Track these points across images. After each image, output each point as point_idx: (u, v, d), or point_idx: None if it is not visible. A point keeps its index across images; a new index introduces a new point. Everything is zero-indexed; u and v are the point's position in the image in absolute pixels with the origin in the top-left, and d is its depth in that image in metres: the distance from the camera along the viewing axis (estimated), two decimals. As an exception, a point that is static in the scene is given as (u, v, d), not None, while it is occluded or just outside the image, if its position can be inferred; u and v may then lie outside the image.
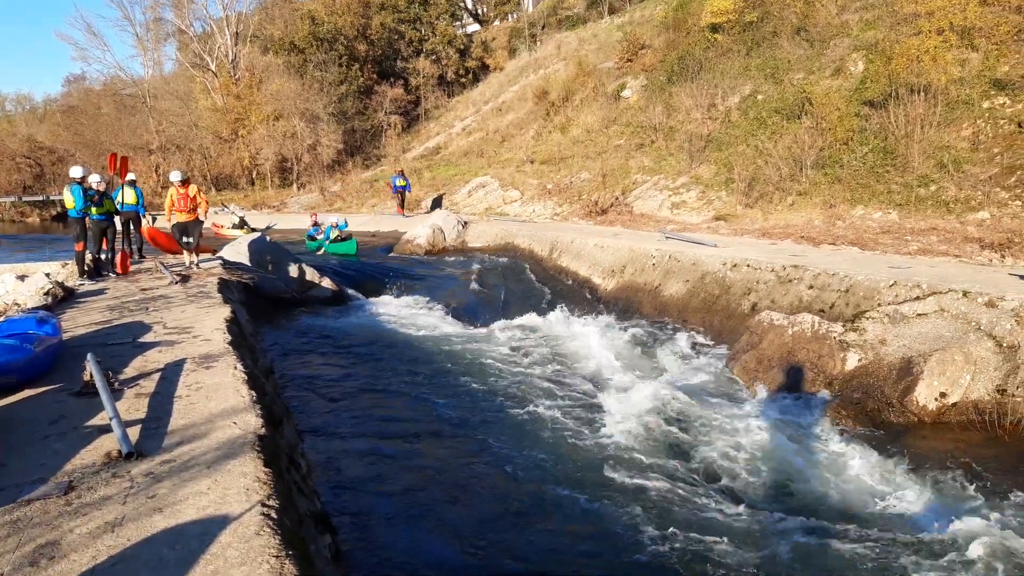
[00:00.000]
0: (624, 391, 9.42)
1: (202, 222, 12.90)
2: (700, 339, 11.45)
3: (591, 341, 11.58)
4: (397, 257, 19.12)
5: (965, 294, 8.95)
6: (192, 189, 12.71)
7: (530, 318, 13.06)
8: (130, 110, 39.41)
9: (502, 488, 6.62)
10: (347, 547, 5.48)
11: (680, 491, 6.55)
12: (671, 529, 5.85)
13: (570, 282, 15.86)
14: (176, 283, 10.91)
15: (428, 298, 14.79)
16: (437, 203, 25.93)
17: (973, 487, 6.43)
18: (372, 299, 14.85)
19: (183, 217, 12.59)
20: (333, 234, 20.42)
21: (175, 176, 12.82)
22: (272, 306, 13.13)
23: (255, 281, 12.70)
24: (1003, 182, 14.14)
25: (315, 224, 21.94)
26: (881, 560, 5.42)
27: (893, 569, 5.27)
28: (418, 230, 20.22)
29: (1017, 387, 7.82)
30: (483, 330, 12.65)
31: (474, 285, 15.81)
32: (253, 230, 20.68)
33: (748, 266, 12.28)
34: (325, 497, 6.20)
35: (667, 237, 15.73)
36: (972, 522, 5.79)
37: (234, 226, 22.93)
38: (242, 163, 35.14)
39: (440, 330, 12.55)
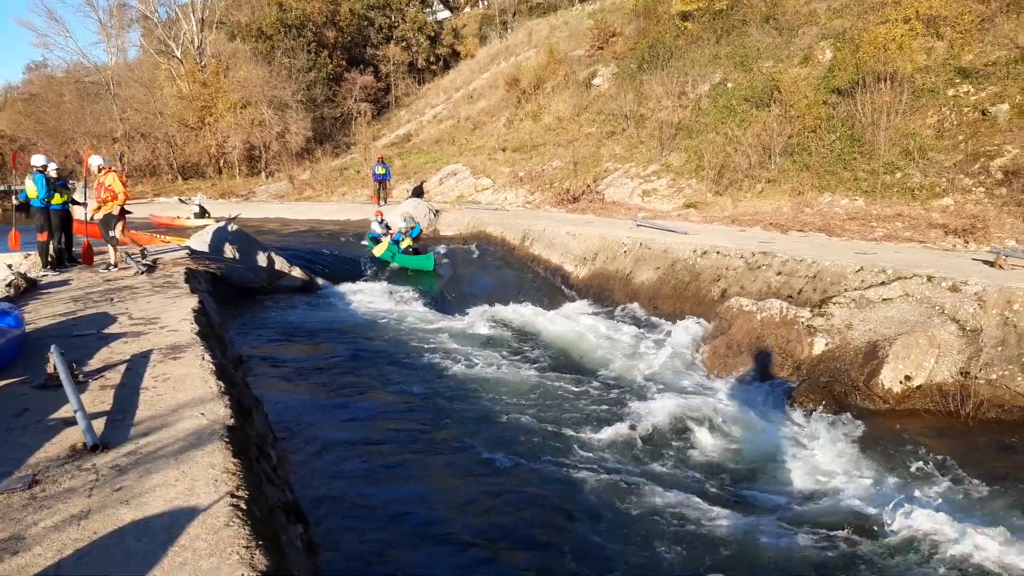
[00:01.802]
0: (595, 377, 9.49)
1: (123, 214, 11.22)
2: (670, 325, 11.52)
3: (564, 328, 11.64)
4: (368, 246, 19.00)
5: (929, 279, 9.12)
6: (108, 177, 11.01)
7: (502, 306, 13.07)
8: (93, 98, 38.50)
9: (475, 475, 6.64)
10: (319, 538, 5.46)
11: (648, 474, 6.61)
12: (637, 511, 5.91)
13: (542, 270, 15.88)
14: (142, 273, 10.73)
15: (400, 287, 14.73)
16: (418, 192, 25.68)
17: (935, 470, 6.57)
18: (343, 288, 14.74)
19: (105, 208, 11.02)
20: (405, 242, 16.94)
21: (95, 161, 11.36)
22: (241, 296, 12.98)
23: (223, 271, 12.53)
24: (967, 169, 14.39)
25: (384, 223, 18.47)
26: (843, 541, 5.52)
27: (855, 550, 5.37)
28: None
29: (980, 370, 8.00)
30: (455, 318, 12.63)
31: (445, 273, 15.77)
32: (219, 219, 20.17)
33: (718, 253, 12.39)
34: (297, 487, 6.16)
35: (638, 225, 15.79)
36: (932, 506, 5.92)
37: (195, 215, 22.22)
38: (209, 151, 34.58)
39: (412, 319, 12.50)
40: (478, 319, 12.42)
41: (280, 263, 14.28)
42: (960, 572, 5.00)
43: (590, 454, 7.08)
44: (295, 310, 13.00)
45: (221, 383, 5.77)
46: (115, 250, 11.22)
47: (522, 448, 7.18)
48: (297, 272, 14.50)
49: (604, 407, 8.32)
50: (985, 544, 5.23)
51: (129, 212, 11.46)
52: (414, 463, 6.85)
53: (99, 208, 11.03)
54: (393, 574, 5.12)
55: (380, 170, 24.41)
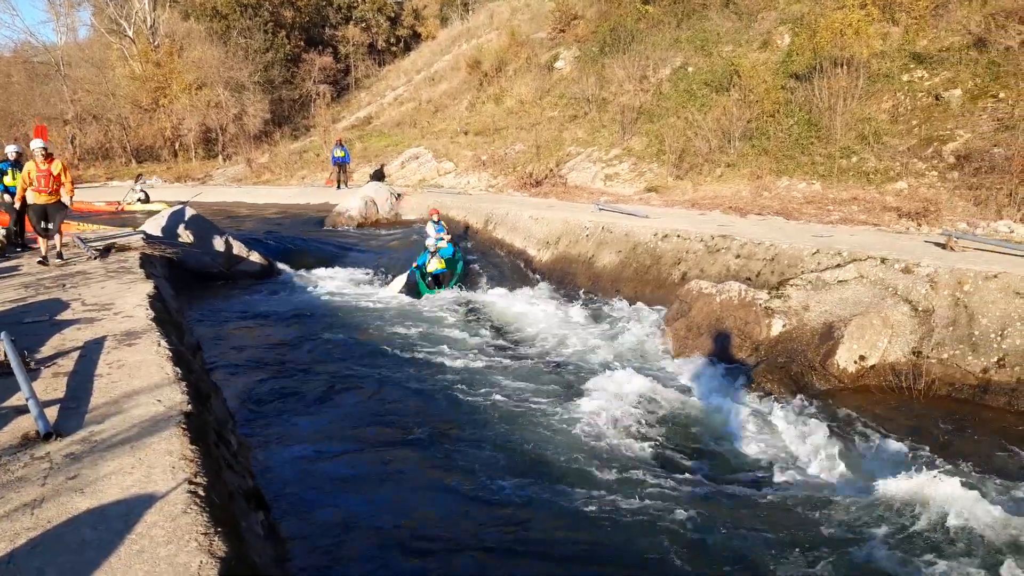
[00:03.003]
0: (557, 359, 9.55)
1: (66, 206, 10.38)
2: (633, 308, 11.61)
3: (526, 311, 11.68)
4: (329, 230, 18.77)
5: (883, 261, 9.32)
6: (56, 166, 10.08)
7: (466, 290, 13.07)
8: (43, 78, 37.24)
9: (436, 459, 6.64)
10: (281, 523, 5.43)
11: (610, 455, 6.68)
12: (597, 492, 5.98)
13: (505, 254, 15.87)
14: (95, 258, 10.49)
15: (361, 271, 14.60)
16: (378, 175, 25.39)
17: (889, 446, 6.76)
18: (303, 272, 14.57)
19: (43, 199, 10.04)
20: (433, 264, 13.42)
21: (36, 145, 10.08)
22: (198, 281, 12.76)
23: (179, 256, 12.29)
24: (920, 153, 14.71)
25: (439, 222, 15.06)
26: (799, 515, 5.66)
27: (810, 524, 5.51)
28: (350, 202, 19.85)
29: (931, 349, 8.22)
30: (416, 302, 12.58)
31: (408, 258, 15.63)
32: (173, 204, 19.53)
33: (678, 236, 12.50)
34: (258, 474, 6.11)
35: (600, 209, 15.85)
36: (886, 480, 6.09)
37: (140, 201, 21.31)
38: (164, 134, 33.73)
39: (373, 303, 12.42)
40: (440, 303, 12.38)
41: (238, 247, 14.05)
42: (912, 541, 5.16)
43: (551, 434, 7.14)
44: (254, 296, 12.83)
45: (178, 369, 5.68)
46: (49, 239, 10.32)
47: (483, 430, 7.22)
48: (256, 257, 14.29)
49: (566, 389, 8.38)
50: (937, 514, 5.41)
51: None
52: (377, 449, 6.84)
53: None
54: (355, 560, 5.11)
55: (339, 153, 24.11)
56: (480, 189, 22.85)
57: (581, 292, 12.81)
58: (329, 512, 5.70)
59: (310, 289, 13.53)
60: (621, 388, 8.22)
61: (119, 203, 21.25)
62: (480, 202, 19.19)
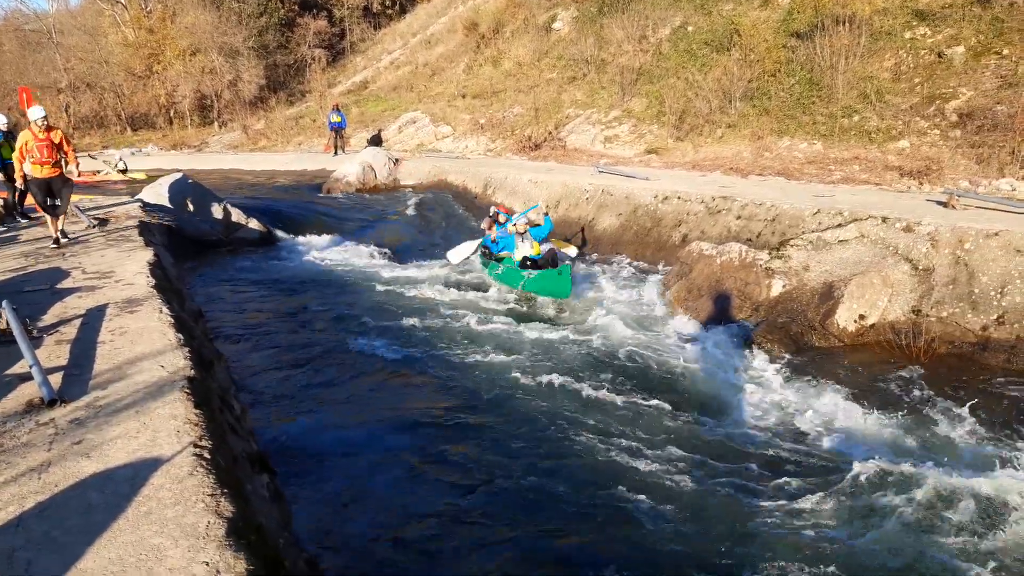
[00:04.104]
0: (559, 322, 9.58)
1: (71, 181, 9.73)
2: (634, 271, 11.60)
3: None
4: (327, 196, 18.65)
5: (884, 220, 9.28)
6: (56, 135, 9.34)
7: (463, 255, 13.02)
8: (35, 46, 36.82)
9: (442, 423, 6.68)
10: (286, 487, 5.48)
11: (614, 413, 6.72)
12: (602, 447, 6.04)
13: (505, 218, 15.82)
14: (94, 227, 10.45)
15: (360, 237, 14.55)
16: (376, 140, 25.17)
17: (888, 404, 6.80)
18: (302, 239, 14.52)
19: (46, 171, 9.23)
20: (522, 250, 11.01)
21: (36, 113, 9.15)
22: (198, 249, 12.72)
23: (177, 223, 12.24)
24: (923, 111, 14.56)
25: (499, 220, 12.40)
26: (798, 472, 5.71)
27: (809, 481, 5.56)
28: (348, 168, 19.70)
29: (931, 308, 8.22)
30: (418, 268, 12.56)
31: (407, 223, 15.62)
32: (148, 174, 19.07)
33: (679, 198, 12.45)
34: (263, 439, 6.16)
35: (600, 171, 15.77)
36: (885, 437, 6.15)
37: (119, 172, 20.80)
38: (158, 101, 33.44)
39: (374, 270, 12.40)
40: (441, 268, 12.37)
41: (237, 215, 13.99)
42: (912, 497, 5.22)
43: (555, 395, 7.18)
44: (254, 263, 12.80)
45: (180, 335, 5.70)
46: (57, 221, 9.50)
47: (487, 395, 7.25)
48: (255, 224, 14.23)
49: (570, 350, 8.41)
50: (936, 471, 5.46)
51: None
52: (381, 416, 6.86)
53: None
54: (358, 522, 5.17)
55: (336, 118, 23.86)
56: (478, 153, 22.69)
57: (582, 254, 12.79)
58: (333, 478, 5.74)
59: (310, 256, 13.49)
60: (622, 348, 8.27)
61: (96, 174, 20.88)
62: (479, 166, 19.07)
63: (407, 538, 4.97)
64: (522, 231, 11.01)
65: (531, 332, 9.03)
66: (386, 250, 13.71)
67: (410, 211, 16.48)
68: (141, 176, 20.16)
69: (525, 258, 10.81)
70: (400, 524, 5.13)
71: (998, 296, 7.89)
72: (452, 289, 11.09)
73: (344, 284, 11.49)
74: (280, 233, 14.84)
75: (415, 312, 9.84)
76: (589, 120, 21.10)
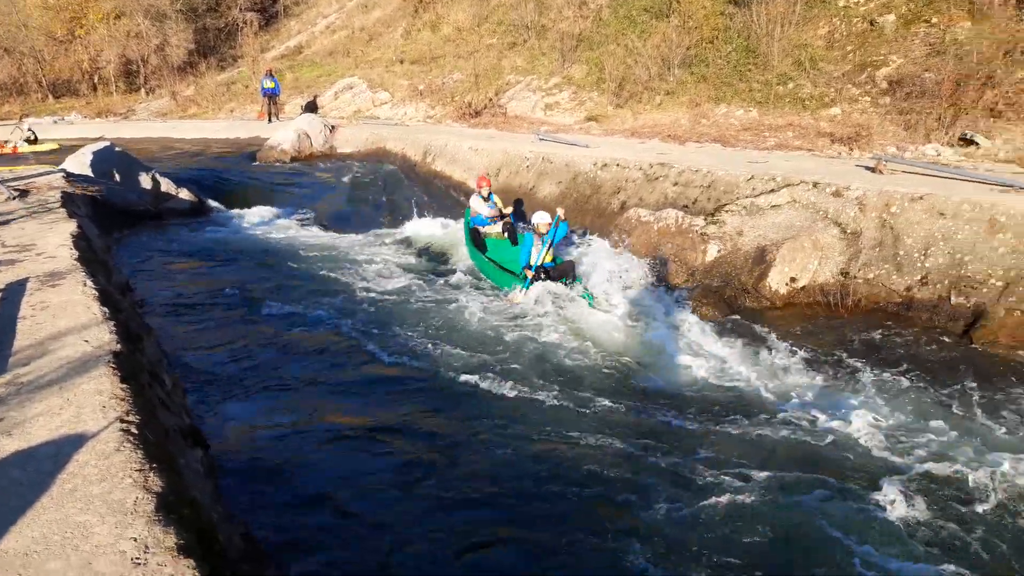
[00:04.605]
0: (498, 289, 9.60)
1: None
2: (574, 237, 11.65)
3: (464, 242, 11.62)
4: (261, 165, 18.17)
5: (815, 185, 9.51)
6: None
7: (405, 224, 12.91)
8: (-56, 7, 34.79)
9: (382, 396, 6.64)
10: (223, 460, 5.40)
11: (546, 381, 6.79)
12: (537, 416, 6.11)
13: (445, 187, 15.66)
14: (14, 198, 9.98)
15: (296, 207, 14.28)
16: (311, 107, 24.53)
17: (817, 360, 7.05)
18: (236, 210, 14.17)
19: None
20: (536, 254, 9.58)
21: None
22: (125, 220, 12.27)
23: (103, 194, 11.77)
24: (854, 79, 14.89)
25: (492, 200, 11.72)
26: (733, 427, 5.89)
27: (744, 436, 5.74)
28: (282, 135, 19.19)
29: (858, 270, 8.50)
30: (356, 238, 12.40)
31: (344, 192, 15.34)
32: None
33: (618, 165, 12.51)
34: (198, 412, 6.04)
35: (541, 139, 15.73)
36: (814, 391, 6.40)
37: (27, 142, 19.86)
38: (81, 67, 31.94)
39: (310, 240, 12.19)
40: (380, 237, 12.23)
41: (166, 184, 13.54)
42: (838, 444, 5.47)
43: (493, 361, 7.21)
44: (185, 234, 12.45)
45: (106, 309, 5.52)
46: None
47: (429, 367, 7.23)
48: (185, 194, 13.80)
49: (508, 317, 8.44)
50: (861, 421, 5.75)
51: None
52: (320, 390, 6.76)
53: None
54: (297, 495, 5.13)
55: (269, 84, 23.16)
56: (418, 120, 22.38)
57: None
58: (271, 451, 5.67)
59: (245, 227, 13.18)
60: (560, 313, 8.34)
61: (3, 144, 19.83)
62: (418, 133, 18.81)
63: (347, 511, 4.95)
64: (544, 232, 9.62)
65: (468, 297, 9.03)
66: (323, 220, 13.50)
67: (347, 179, 16.18)
68: (52, 146, 19.26)
69: (539, 267, 9.49)
70: (341, 498, 5.09)
71: (921, 258, 8.19)
72: (393, 260, 10.98)
73: (280, 255, 11.26)
74: (212, 203, 14.46)
75: (354, 283, 9.73)
76: (530, 87, 20.97)
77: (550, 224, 9.58)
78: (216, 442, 5.66)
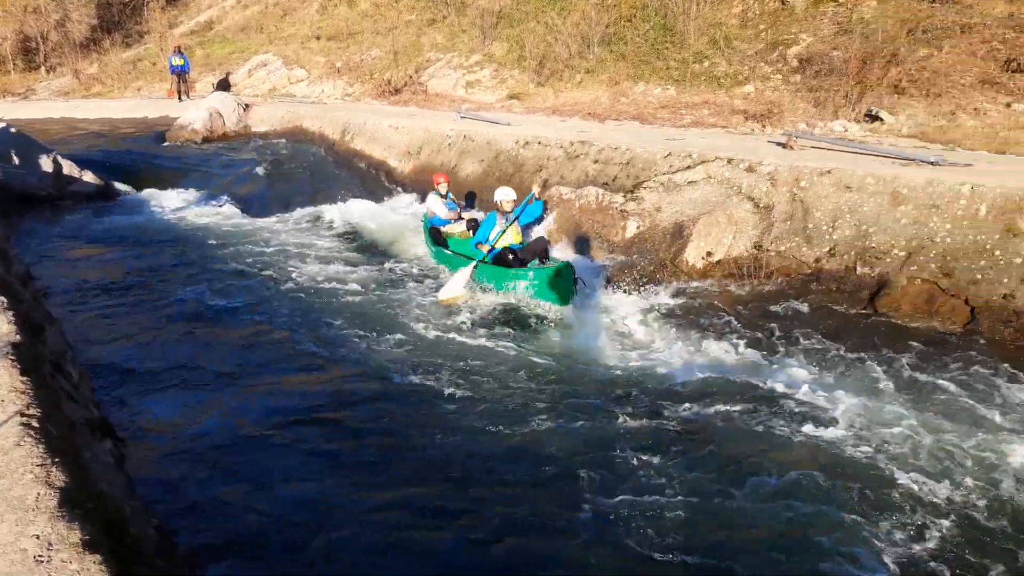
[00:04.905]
0: (420, 268, 9.56)
1: None
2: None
3: (389, 223, 11.50)
4: (171, 146, 17.47)
5: (729, 161, 9.75)
6: None
7: (323, 205, 12.64)
8: None
9: (299, 387, 6.47)
10: (136, 453, 5.23)
11: (477, 358, 6.80)
12: (461, 395, 6.11)
13: (365, 166, 15.41)
14: None
15: (210, 189, 13.82)
16: (224, 85, 23.65)
17: (730, 330, 7.29)
18: (145, 192, 13.64)
19: None
20: (506, 238, 8.80)
21: None
22: (25, 205, 11.65)
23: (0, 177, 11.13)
24: (767, 57, 15.31)
25: (449, 195, 10.84)
26: (654, 400, 6.04)
27: (662, 407, 5.90)
28: (193, 114, 18.46)
29: (771, 243, 8.78)
30: (275, 221, 12.08)
31: (260, 173, 14.90)
32: None
33: (539, 143, 12.55)
34: (107, 403, 5.81)
35: (462, 117, 15.62)
36: (730, 359, 6.63)
37: None
38: (-27, 43, 30.00)
39: (226, 224, 11.82)
40: (300, 220, 11.97)
41: (69, 167, 12.88)
42: (749, 402, 5.69)
43: (414, 339, 7.17)
44: (91, 219, 11.90)
45: (3, 299, 5.22)
46: None
47: (347, 353, 7.13)
48: (90, 177, 13.16)
49: (429, 297, 8.40)
50: (772, 389, 6.02)
51: None
52: (236, 380, 6.57)
53: None
54: (214, 487, 4.99)
55: (178, 61, 22.24)
56: (335, 98, 21.88)
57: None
58: (187, 443, 5.50)
59: (155, 211, 12.69)
60: (481, 293, 8.38)
61: None
62: (336, 111, 18.42)
63: (265, 504, 4.84)
64: (508, 210, 8.72)
65: (390, 275, 8.95)
66: (239, 202, 13.10)
67: (263, 159, 15.72)
68: None
69: (506, 249, 8.56)
70: (259, 491, 4.98)
71: (830, 230, 8.52)
72: (315, 244, 10.76)
73: (193, 240, 10.88)
74: (120, 186, 13.87)
75: (274, 271, 9.45)
76: (450, 64, 20.77)
77: (516, 202, 8.82)
78: (128, 434, 5.48)
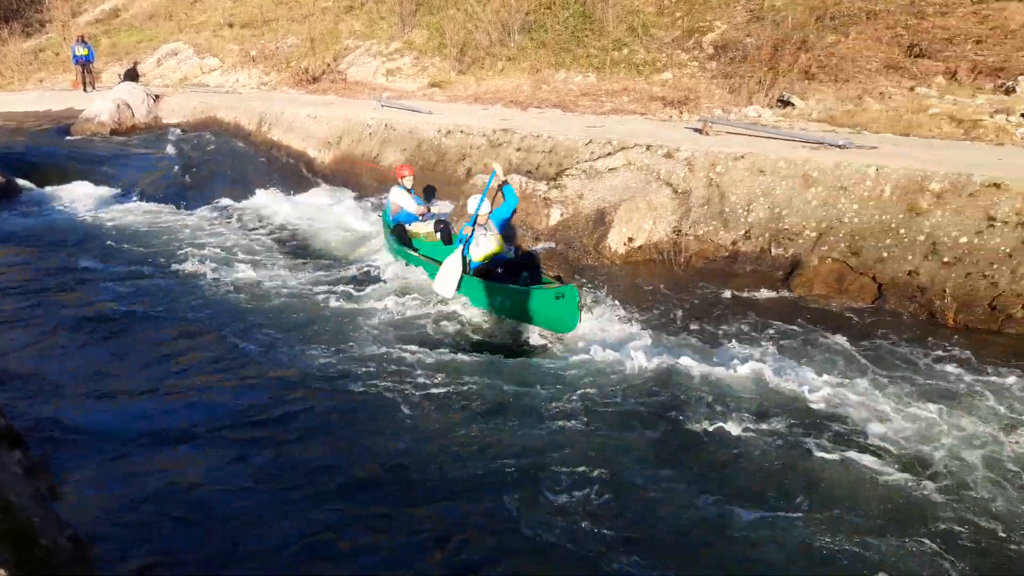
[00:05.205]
0: (342, 262, 9.37)
1: None
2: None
3: (309, 216, 11.24)
4: (77, 139, 16.61)
5: (648, 148, 9.87)
6: None
7: (239, 199, 12.24)
8: None
9: (220, 390, 6.21)
10: (51, 462, 4.96)
11: (401, 348, 6.69)
12: (389, 384, 6.00)
13: (284, 156, 15.02)
14: None
15: (118, 184, 13.22)
16: (132, 75, 22.61)
17: (652, 312, 7.38)
18: (49, 189, 12.95)
19: None
20: (485, 246, 7.63)
21: None
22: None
23: None
24: (683, 44, 15.55)
25: (412, 190, 9.71)
26: (572, 376, 6.10)
27: (586, 386, 5.93)
28: (99, 106, 17.61)
29: (689, 227, 8.93)
30: (189, 215, 11.64)
31: (173, 166, 14.31)
32: None
33: (462, 132, 12.46)
34: (16, 413, 5.47)
35: (383, 105, 15.37)
36: (647, 337, 6.71)
37: None
38: None
39: (139, 219, 11.33)
40: (216, 214, 11.57)
41: (-39, 162, 12.12)
42: (667, 393, 5.76)
43: (339, 338, 7.01)
44: (-11, 218, 11.24)
45: None
46: None
47: (263, 345, 6.91)
48: (-14, 172, 12.43)
49: (351, 288, 8.22)
50: (690, 368, 6.11)
51: None
52: (156, 386, 6.22)
53: None
54: (128, 491, 4.77)
55: (82, 51, 21.16)
56: (251, 87, 21.24)
57: (366, 192, 12.50)
58: (104, 452, 5.18)
59: (61, 208, 12.06)
60: (404, 282, 8.27)
61: None
62: (252, 101, 17.89)
63: (183, 508, 4.62)
64: (484, 222, 7.54)
65: (313, 269, 8.73)
66: (151, 197, 12.58)
67: (175, 152, 15.11)
68: None
69: (492, 258, 7.54)
70: (177, 495, 4.75)
71: (745, 213, 8.72)
72: (231, 234, 10.41)
73: (100, 238, 10.37)
74: (22, 182, 13.19)
75: (190, 268, 9.01)
76: (370, 52, 20.41)
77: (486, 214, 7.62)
78: (39, 443, 5.18)
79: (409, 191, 9.45)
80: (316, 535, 4.41)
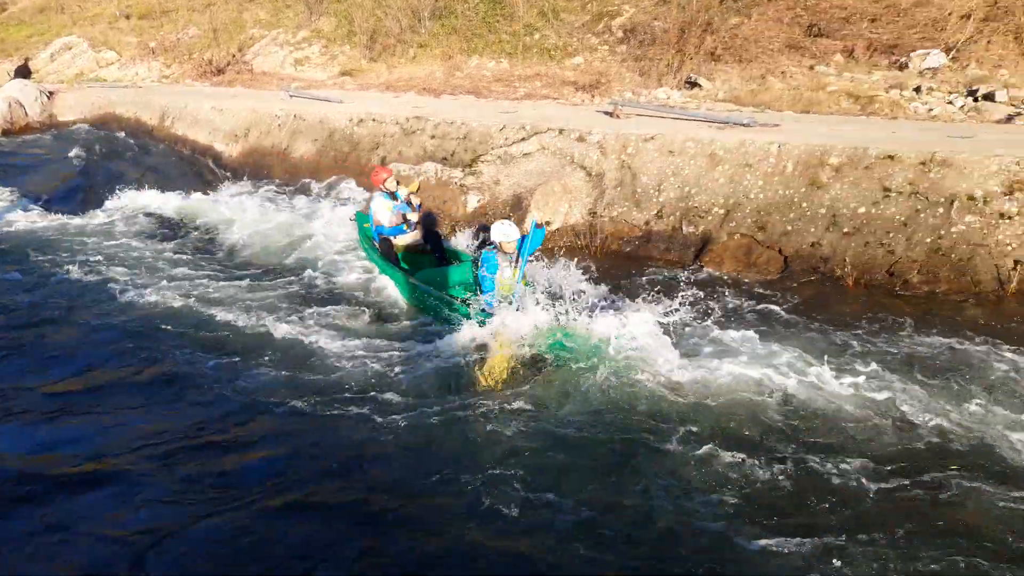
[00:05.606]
0: (253, 249, 9.18)
1: None
2: (333, 196, 11.27)
3: (219, 212, 10.87)
4: (-36, 141, 15.69)
5: (561, 132, 9.93)
6: None
7: (148, 196, 11.70)
8: None
9: (149, 405, 5.88)
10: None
11: (337, 336, 6.56)
12: (330, 377, 5.89)
13: (189, 151, 14.49)
14: None
15: (12, 187, 12.49)
16: (23, 72, 21.36)
17: (572, 290, 7.40)
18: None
19: None
20: (509, 280, 6.65)
21: None
22: None
23: None
24: (593, 29, 15.71)
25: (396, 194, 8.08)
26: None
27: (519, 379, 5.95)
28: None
29: (604, 209, 9.04)
30: (87, 216, 11.08)
31: (71, 166, 13.63)
32: None
33: (374, 120, 12.27)
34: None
35: (292, 96, 15.00)
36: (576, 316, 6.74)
37: None
38: None
39: (31, 225, 10.70)
40: (117, 214, 11.06)
41: None
42: (598, 364, 5.82)
43: (266, 319, 6.84)
44: None
45: None
46: None
47: (189, 339, 6.67)
48: None
49: (272, 278, 8.02)
50: (605, 342, 6.11)
51: None
52: (54, 399, 5.93)
53: None
54: (54, 517, 4.50)
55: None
56: (152, 81, 20.41)
57: (278, 184, 12.16)
58: (17, 475, 4.94)
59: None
60: (319, 268, 8.25)
61: None
62: (153, 95, 17.18)
63: (106, 528, 4.42)
64: (511, 251, 6.66)
65: (226, 269, 8.46)
66: (47, 200, 11.95)
67: (73, 151, 14.41)
68: None
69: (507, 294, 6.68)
70: (95, 518, 4.50)
71: (656, 193, 8.88)
72: (136, 235, 9.98)
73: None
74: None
75: (86, 266, 8.62)
76: (276, 41, 19.86)
77: (514, 243, 6.62)
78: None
79: (394, 195, 7.98)
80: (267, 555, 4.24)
